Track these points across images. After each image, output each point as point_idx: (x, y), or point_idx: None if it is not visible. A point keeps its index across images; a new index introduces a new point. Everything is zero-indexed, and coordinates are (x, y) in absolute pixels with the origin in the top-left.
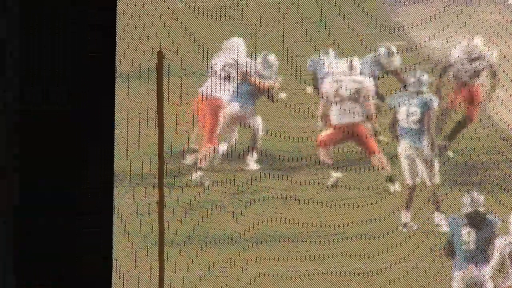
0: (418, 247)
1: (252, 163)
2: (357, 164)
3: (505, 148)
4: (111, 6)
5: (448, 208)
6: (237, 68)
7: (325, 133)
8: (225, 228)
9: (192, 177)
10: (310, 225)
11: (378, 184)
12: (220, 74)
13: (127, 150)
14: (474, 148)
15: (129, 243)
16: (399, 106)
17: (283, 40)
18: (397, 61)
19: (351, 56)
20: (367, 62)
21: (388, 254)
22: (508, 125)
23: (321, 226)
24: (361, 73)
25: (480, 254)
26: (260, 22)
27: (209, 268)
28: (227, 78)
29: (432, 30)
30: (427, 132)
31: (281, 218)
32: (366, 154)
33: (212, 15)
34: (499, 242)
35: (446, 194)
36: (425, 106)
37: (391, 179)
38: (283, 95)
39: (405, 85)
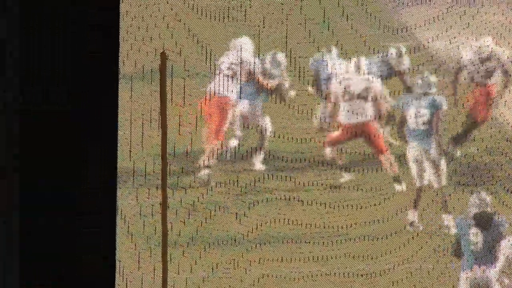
0: (421, 248)
1: (258, 164)
2: (360, 165)
3: (509, 149)
4: (111, 6)
5: (455, 209)
6: (243, 67)
7: (335, 133)
8: (229, 229)
9: (199, 174)
10: (313, 226)
11: (381, 185)
12: (226, 73)
13: (130, 151)
14: (477, 149)
15: (133, 244)
16: (407, 107)
17: (287, 41)
18: (406, 62)
19: (357, 56)
20: (375, 62)
21: (391, 255)
22: None
23: (324, 227)
24: (368, 73)
25: (487, 255)
26: (264, 23)
27: (212, 269)
28: (233, 76)
29: (436, 31)
30: (435, 133)
31: (284, 219)
32: (374, 153)
33: (215, 16)
34: (504, 244)
35: (450, 195)
36: (434, 107)
37: (398, 179)
38: (292, 93)
39: (408, 87)
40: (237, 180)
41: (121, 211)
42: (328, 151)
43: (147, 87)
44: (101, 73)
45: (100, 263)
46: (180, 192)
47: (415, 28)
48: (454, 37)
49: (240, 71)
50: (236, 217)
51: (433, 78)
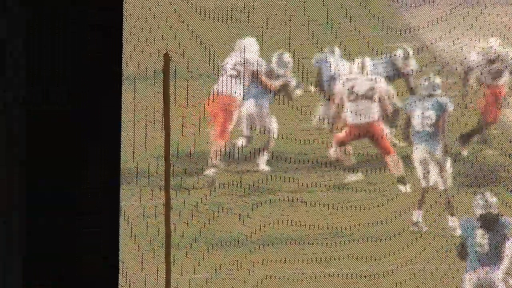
0: (425, 249)
1: (262, 165)
2: (363, 167)
3: None
4: (111, 6)
5: (459, 210)
6: (248, 67)
7: (340, 133)
8: (232, 230)
9: (206, 173)
10: (316, 227)
11: (385, 186)
12: (231, 73)
13: (133, 152)
14: (481, 150)
15: (136, 245)
16: (413, 109)
17: (290, 43)
18: (412, 63)
19: (362, 56)
20: (381, 63)
21: (395, 257)
22: None
23: (327, 228)
24: (373, 73)
25: (492, 257)
26: (267, 25)
27: (215, 271)
28: (238, 76)
29: (439, 32)
30: (441, 135)
31: (287, 220)
32: (380, 154)
33: (218, 17)
34: (508, 245)
35: (453, 196)
36: (440, 109)
37: (402, 180)
38: (299, 92)
39: (411, 88)
40: (240, 181)
41: (124, 212)
42: (332, 151)
43: (150, 88)
44: (101, 73)
45: (100, 263)
46: (183, 193)
47: (419, 29)
48: (458, 38)
49: (245, 71)
50: (240, 218)
51: (438, 80)
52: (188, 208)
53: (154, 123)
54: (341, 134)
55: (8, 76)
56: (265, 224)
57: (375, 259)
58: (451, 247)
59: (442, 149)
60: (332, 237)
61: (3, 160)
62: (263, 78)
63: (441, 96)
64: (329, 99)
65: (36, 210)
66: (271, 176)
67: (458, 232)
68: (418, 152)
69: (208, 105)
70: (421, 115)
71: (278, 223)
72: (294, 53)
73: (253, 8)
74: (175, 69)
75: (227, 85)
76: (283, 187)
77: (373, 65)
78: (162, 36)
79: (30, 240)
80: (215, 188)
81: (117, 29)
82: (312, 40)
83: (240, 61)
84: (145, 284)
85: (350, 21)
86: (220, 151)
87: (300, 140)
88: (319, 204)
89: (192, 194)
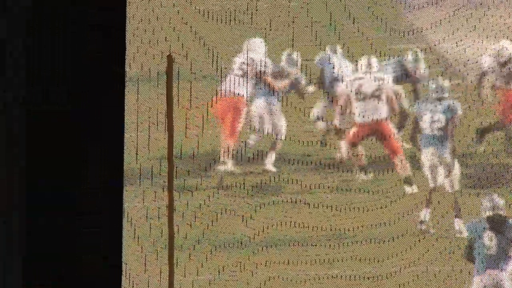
0: (428, 251)
1: (269, 165)
2: (367, 168)
3: None
4: (111, 6)
5: (464, 212)
6: (255, 67)
7: (351, 133)
8: (235, 232)
9: (215, 170)
10: (320, 229)
11: (388, 187)
12: (237, 73)
13: (136, 153)
14: (484, 151)
15: (139, 247)
16: (422, 112)
17: (293, 44)
18: (422, 67)
19: (368, 56)
20: (389, 63)
21: (398, 258)
22: None
23: (331, 230)
24: (380, 73)
25: (501, 259)
26: (270, 26)
27: (218, 272)
28: (244, 76)
29: (442, 34)
30: (450, 138)
31: (291, 222)
32: (388, 155)
33: (222, 19)
34: None
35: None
36: (450, 113)
37: (409, 181)
38: (311, 89)
39: (415, 90)
40: (244, 183)
41: (128, 214)
42: (344, 152)
43: (154, 90)
44: (101, 73)
45: (100, 263)
46: (186, 195)
47: (422, 31)
48: (461, 40)
49: (252, 71)
50: (243, 220)
51: (447, 82)
52: (191, 209)
53: (157, 125)
54: (351, 134)
55: (8, 76)
56: (268, 226)
57: (378, 261)
58: (454, 248)
59: (450, 152)
60: (335, 239)
61: (3, 160)
62: (269, 79)
63: (450, 99)
64: (332, 101)
65: (36, 210)
66: (274, 177)
67: (465, 234)
68: (427, 156)
69: (215, 105)
70: (431, 119)
71: (281, 224)
72: (297, 54)
73: (256, 10)
74: (178, 71)
75: (234, 85)
76: (287, 189)
77: (382, 66)
78: (165, 37)
79: (30, 240)
80: (222, 186)
81: (117, 29)
82: (315, 41)
83: (247, 61)
84: (148, 286)
85: (354, 23)
86: (231, 150)
87: (303, 142)
88: (322, 206)
89: (195, 196)
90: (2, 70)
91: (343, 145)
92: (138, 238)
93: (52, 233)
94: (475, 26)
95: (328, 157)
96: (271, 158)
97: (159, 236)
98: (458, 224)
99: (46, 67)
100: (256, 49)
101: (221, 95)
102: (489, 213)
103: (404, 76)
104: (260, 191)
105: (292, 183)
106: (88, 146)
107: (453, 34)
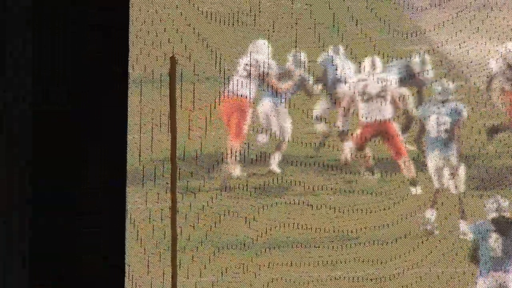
0: (431, 252)
1: (275, 166)
2: (370, 170)
3: None
4: (111, 6)
5: (468, 213)
6: (259, 69)
7: (357, 134)
8: (238, 233)
9: (221, 171)
10: (323, 230)
11: (391, 189)
12: (242, 74)
13: (139, 155)
14: (487, 153)
15: (142, 248)
16: (428, 115)
17: (296, 46)
18: (427, 70)
19: (372, 56)
20: (395, 65)
21: (401, 260)
22: None
23: (334, 231)
24: (384, 74)
25: (506, 261)
26: (273, 28)
27: (221, 274)
28: (249, 77)
29: (445, 35)
30: (456, 140)
31: (294, 223)
32: (393, 156)
33: (225, 20)
34: None
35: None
36: (456, 115)
37: (414, 183)
38: (318, 87)
39: (419, 91)
40: (247, 184)
41: (130, 215)
42: (348, 154)
43: (157, 92)
44: (102, 73)
45: (101, 263)
46: (189, 197)
47: (425, 33)
48: (464, 41)
49: (256, 72)
50: (246, 221)
51: (452, 85)
52: (194, 211)
53: (160, 126)
54: (356, 137)
55: (8, 76)
56: (271, 227)
57: (382, 263)
58: (457, 250)
59: (456, 155)
60: (339, 240)
61: (3, 160)
62: (273, 80)
63: (454, 101)
64: (335, 102)
65: (36, 210)
66: (277, 179)
67: (470, 236)
68: (433, 158)
69: (219, 106)
70: (436, 121)
71: (284, 226)
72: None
73: (260, 11)
74: (181, 72)
75: (238, 86)
76: (290, 190)
77: (386, 67)
78: (169, 39)
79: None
80: (225, 188)
81: (117, 29)
82: (318, 43)
83: (252, 62)
84: (151, 287)
85: (357, 24)
86: (237, 151)
87: (306, 144)
88: (325, 207)
89: (198, 197)
90: (2, 70)
91: (346, 146)
92: (141, 239)
93: (52, 233)
94: (478, 27)
95: (332, 158)
96: (276, 159)
97: (162, 237)
98: (463, 226)
99: (46, 67)
100: (261, 51)
101: (224, 97)
102: (493, 215)
103: (409, 78)
104: (263, 193)
105: (295, 184)
106: (89, 146)
107: (456, 36)
